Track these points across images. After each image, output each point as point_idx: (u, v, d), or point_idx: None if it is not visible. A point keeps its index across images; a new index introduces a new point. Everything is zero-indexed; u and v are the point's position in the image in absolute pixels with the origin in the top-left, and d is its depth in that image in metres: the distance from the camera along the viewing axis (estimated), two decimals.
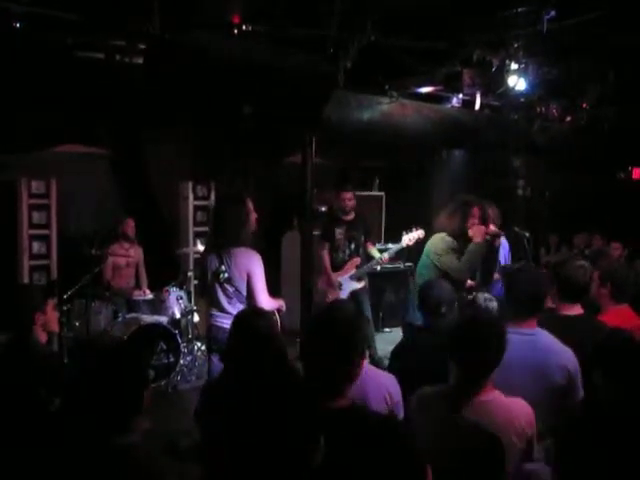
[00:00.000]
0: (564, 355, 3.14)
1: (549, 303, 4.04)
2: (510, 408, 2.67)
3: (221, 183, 8.43)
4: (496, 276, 6.13)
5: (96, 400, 2.08)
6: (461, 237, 5.42)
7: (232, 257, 4.49)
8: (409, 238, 7.00)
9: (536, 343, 3.13)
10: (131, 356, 2.20)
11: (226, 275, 4.49)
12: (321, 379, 2.14)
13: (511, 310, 3.30)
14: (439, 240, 5.47)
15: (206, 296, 4.78)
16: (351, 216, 7.30)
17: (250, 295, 4.50)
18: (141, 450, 2.10)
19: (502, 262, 6.46)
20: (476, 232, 5.40)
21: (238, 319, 3.13)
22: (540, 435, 2.95)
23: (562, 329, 3.46)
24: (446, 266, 5.32)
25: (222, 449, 2.60)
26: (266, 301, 4.52)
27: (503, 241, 6.91)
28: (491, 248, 5.62)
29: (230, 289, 4.52)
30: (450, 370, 2.76)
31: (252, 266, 4.50)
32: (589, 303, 4.00)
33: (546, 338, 3.21)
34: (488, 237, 5.51)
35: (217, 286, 4.55)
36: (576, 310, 3.69)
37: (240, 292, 4.51)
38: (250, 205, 4.59)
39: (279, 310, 4.76)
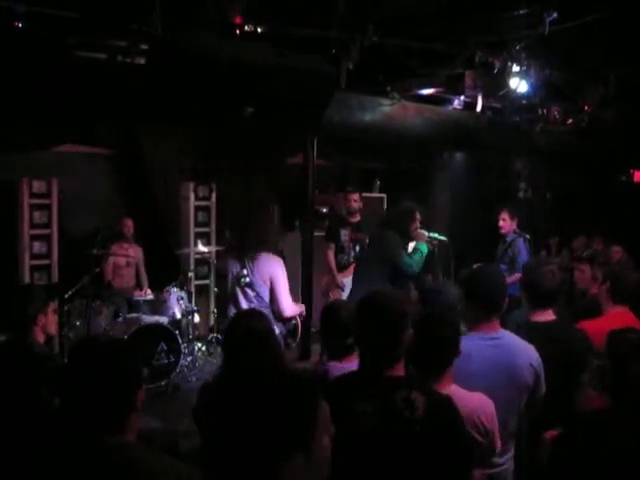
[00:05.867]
0: (529, 353, 3.12)
1: None
2: (467, 402, 2.66)
3: (222, 184, 8.43)
4: (516, 277, 6.13)
5: (87, 399, 2.07)
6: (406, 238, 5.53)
7: (255, 262, 4.53)
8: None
9: (504, 346, 3.09)
10: (123, 354, 2.19)
11: (247, 280, 4.53)
12: (378, 354, 2.39)
13: (472, 314, 3.23)
14: (393, 237, 5.46)
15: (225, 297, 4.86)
16: (357, 218, 7.35)
17: (273, 300, 4.55)
18: (136, 450, 2.09)
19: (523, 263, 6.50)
20: (419, 235, 5.53)
21: (235, 320, 3.14)
22: (510, 434, 3.00)
23: (536, 336, 3.40)
24: (401, 261, 5.32)
25: (221, 450, 2.60)
26: (289, 306, 4.60)
27: (521, 244, 6.94)
28: (432, 252, 5.73)
29: (251, 293, 4.56)
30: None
31: (275, 272, 4.56)
32: (589, 304, 3.98)
33: (512, 339, 3.18)
34: (428, 242, 5.60)
35: (238, 289, 4.60)
36: (548, 316, 3.57)
37: (261, 297, 4.56)
38: (273, 210, 4.67)
39: (300, 315, 4.82)
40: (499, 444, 2.74)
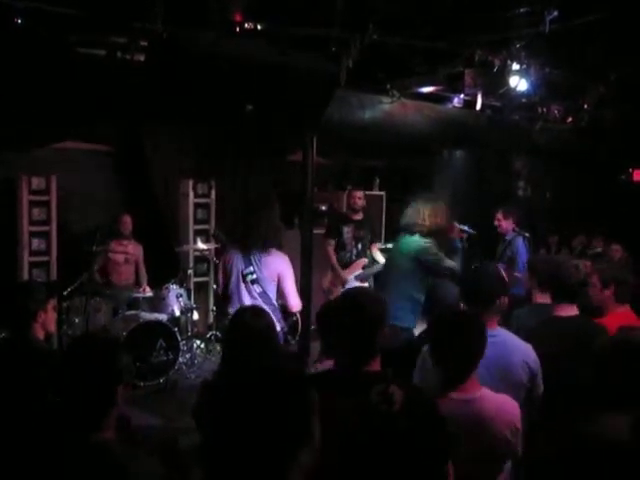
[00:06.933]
0: (525, 352, 3.13)
1: (543, 299, 4.04)
2: (501, 405, 2.68)
3: (222, 181, 8.43)
4: (519, 275, 6.14)
5: (71, 396, 2.07)
6: (437, 235, 5.18)
7: (262, 259, 4.55)
8: None
9: (498, 343, 3.07)
10: (103, 351, 2.18)
11: (254, 276, 4.55)
12: (354, 351, 2.42)
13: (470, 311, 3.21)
14: (423, 241, 5.10)
15: (222, 294, 4.83)
16: (359, 216, 7.36)
17: (281, 296, 4.58)
18: (116, 447, 2.10)
19: (522, 262, 6.50)
20: (454, 229, 5.32)
21: (235, 317, 3.14)
22: None
23: (559, 331, 3.44)
24: (446, 267, 5.03)
25: (225, 451, 2.60)
26: (297, 302, 4.63)
27: (520, 243, 6.93)
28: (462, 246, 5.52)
29: (257, 290, 4.57)
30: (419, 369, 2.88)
31: (283, 269, 4.59)
32: (586, 306, 4.00)
33: (507, 336, 3.19)
34: (457, 235, 5.40)
35: (242, 286, 4.60)
36: (572, 311, 3.65)
37: (266, 293, 4.58)
38: (278, 208, 4.69)
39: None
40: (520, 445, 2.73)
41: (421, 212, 5.09)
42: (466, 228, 5.50)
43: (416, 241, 5.06)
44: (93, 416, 2.07)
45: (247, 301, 4.56)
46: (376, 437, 2.24)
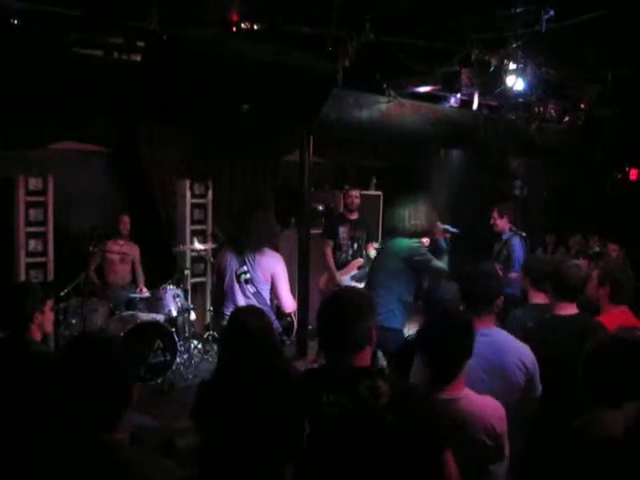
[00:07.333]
0: (522, 352, 3.12)
1: (538, 299, 4.05)
2: (481, 406, 2.67)
3: (219, 181, 8.42)
4: (514, 275, 6.14)
5: (83, 397, 2.06)
6: (421, 237, 5.20)
7: (256, 259, 4.55)
8: None
9: (493, 342, 3.07)
10: (118, 351, 2.17)
11: (248, 276, 4.55)
12: (339, 346, 2.42)
13: (467, 310, 3.25)
14: (412, 242, 5.12)
15: (217, 294, 4.83)
16: (355, 215, 7.35)
17: (274, 296, 4.59)
18: (129, 448, 2.08)
19: (518, 262, 6.51)
20: (437, 230, 5.33)
21: (232, 317, 3.14)
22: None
23: (561, 329, 3.45)
24: (435, 268, 5.06)
25: (219, 448, 2.60)
26: (291, 303, 4.64)
27: (516, 242, 6.93)
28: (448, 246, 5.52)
29: (250, 290, 4.58)
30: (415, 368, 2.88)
31: (277, 269, 4.60)
32: (586, 304, 4.01)
33: (502, 336, 3.19)
34: (441, 235, 5.40)
35: (236, 286, 4.60)
36: (572, 310, 3.68)
37: (260, 293, 4.58)
38: (273, 208, 4.72)
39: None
40: (507, 449, 2.70)
41: (402, 216, 5.13)
42: (449, 227, 5.51)
43: (406, 242, 5.10)
44: (107, 418, 2.05)
45: (241, 301, 4.56)
46: (363, 431, 2.25)
